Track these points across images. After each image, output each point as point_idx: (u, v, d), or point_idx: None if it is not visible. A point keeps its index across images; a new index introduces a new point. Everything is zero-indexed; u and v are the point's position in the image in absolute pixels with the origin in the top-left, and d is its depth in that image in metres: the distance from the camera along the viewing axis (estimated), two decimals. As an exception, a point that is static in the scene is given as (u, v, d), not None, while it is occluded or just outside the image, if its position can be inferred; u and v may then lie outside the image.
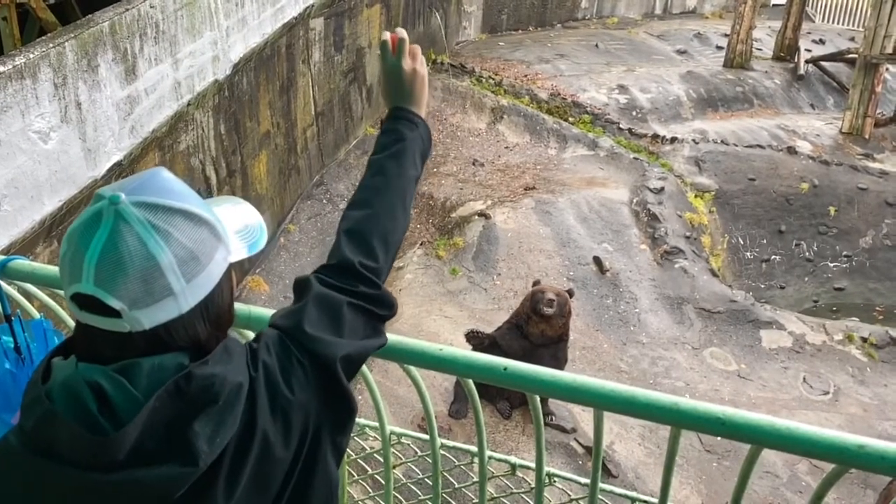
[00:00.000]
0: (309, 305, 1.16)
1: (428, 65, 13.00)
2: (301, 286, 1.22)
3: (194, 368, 0.94)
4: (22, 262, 1.74)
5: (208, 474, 0.95)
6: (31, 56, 4.41)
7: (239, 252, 1.07)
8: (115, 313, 0.92)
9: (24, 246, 4.47)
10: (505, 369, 1.36)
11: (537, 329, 5.85)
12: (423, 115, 1.49)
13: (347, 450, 1.67)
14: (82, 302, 0.93)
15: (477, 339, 6.03)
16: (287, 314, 1.17)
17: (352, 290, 1.20)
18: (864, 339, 8.16)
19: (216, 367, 0.97)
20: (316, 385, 1.09)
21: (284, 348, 1.09)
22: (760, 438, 1.22)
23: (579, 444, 6.01)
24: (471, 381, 1.52)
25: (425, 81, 1.50)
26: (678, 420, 1.26)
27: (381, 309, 1.24)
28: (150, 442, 0.91)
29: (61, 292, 1.78)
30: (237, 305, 1.13)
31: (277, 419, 1.03)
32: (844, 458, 1.17)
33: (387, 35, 1.50)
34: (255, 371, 1.04)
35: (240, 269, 7.76)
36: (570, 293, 6.12)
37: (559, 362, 5.93)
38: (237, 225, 1.09)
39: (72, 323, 1.64)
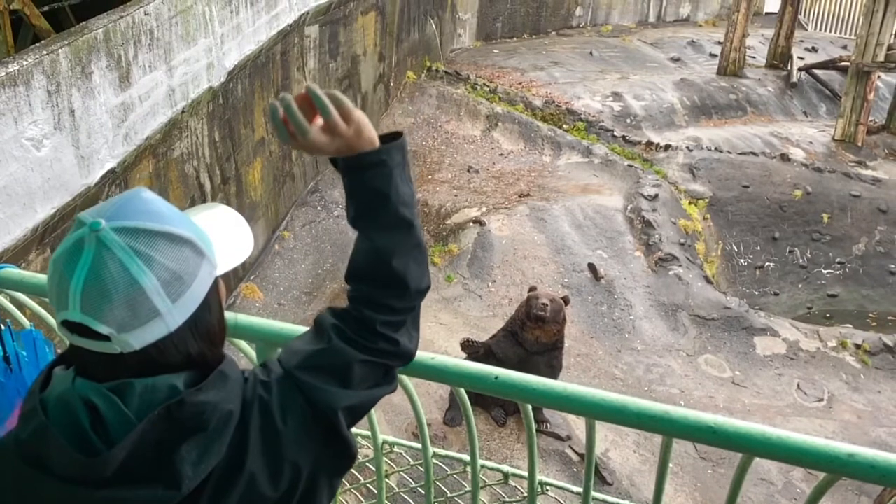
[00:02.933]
0: (320, 354, 1.12)
1: (423, 72, 13.08)
2: (319, 329, 1.16)
3: (187, 396, 0.96)
4: (11, 271, 1.73)
5: (190, 499, 0.96)
6: (25, 63, 4.40)
7: (226, 264, 1.08)
8: (105, 337, 0.93)
9: (17, 253, 4.45)
10: (496, 378, 1.36)
11: (532, 335, 5.85)
12: (375, 144, 1.18)
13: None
14: (72, 327, 0.95)
15: (472, 349, 6.03)
16: (298, 355, 1.13)
17: (369, 348, 1.15)
18: (858, 346, 8.18)
19: (209, 393, 0.98)
20: (315, 430, 1.08)
21: (290, 387, 1.08)
22: (752, 447, 1.22)
23: (574, 451, 6.00)
24: (463, 390, 1.52)
25: (363, 124, 1.17)
26: (669, 429, 1.26)
27: (396, 361, 1.19)
28: (137, 462, 0.93)
29: (52, 301, 1.77)
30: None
31: (268, 454, 1.03)
32: (835, 467, 1.17)
33: (279, 104, 1.10)
34: (250, 401, 1.04)
35: (234, 277, 7.74)
36: (566, 300, 6.13)
37: (554, 370, 5.93)
38: (222, 234, 1.10)
39: (62, 332, 1.63)
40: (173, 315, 0.96)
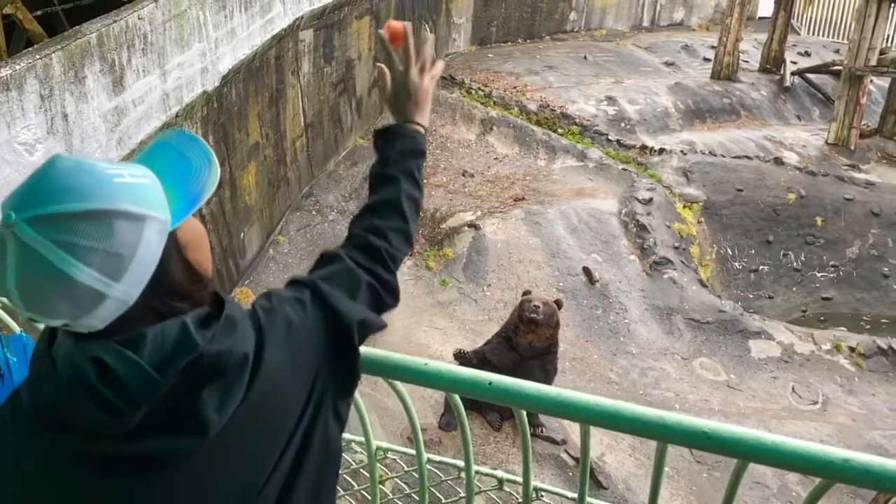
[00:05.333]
0: (336, 272, 1.23)
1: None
2: (330, 258, 1.27)
3: (203, 349, 0.94)
4: (2, 277, 1.72)
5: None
6: (18, 67, 4.39)
7: (189, 204, 0.98)
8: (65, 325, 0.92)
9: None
10: (490, 384, 1.35)
11: (525, 340, 5.84)
12: (425, 124, 1.48)
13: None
14: (33, 320, 0.93)
15: (464, 360, 6.00)
16: (313, 274, 1.23)
17: (373, 272, 1.26)
18: (852, 349, 8.20)
19: (223, 341, 0.97)
20: (326, 341, 1.11)
21: (300, 302, 1.13)
22: (746, 453, 1.21)
23: (569, 455, 5.99)
24: (457, 396, 1.51)
25: (429, 94, 1.50)
26: (664, 434, 1.26)
27: (388, 296, 1.29)
28: (159, 413, 0.92)
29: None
30: None
31: (288, 350, 1.06)
32: (830, 472, 1.16)
33: (385, 31, 1.48)
34: (265, 324, 1.05)
35: (229, 281, 7.71)
36: (559, 304, 6.12)
37: (549, 374, 5.92)
38: (181, 171, 1.00)
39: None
40: (123, 290, 0.90)
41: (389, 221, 1.35)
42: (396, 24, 1.47)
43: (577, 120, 11.98)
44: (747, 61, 14.64)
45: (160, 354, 0.93)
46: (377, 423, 5.84)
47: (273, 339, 1.04)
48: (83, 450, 0.93)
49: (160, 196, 0.94)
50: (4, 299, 1.77)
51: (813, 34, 18.67)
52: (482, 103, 12.28)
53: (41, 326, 1.01)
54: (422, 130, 1.46)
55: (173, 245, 0.96)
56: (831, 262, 10.55)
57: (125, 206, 0.89)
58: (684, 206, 10.38)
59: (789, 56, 14.51)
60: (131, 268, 0.90)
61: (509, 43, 15.75)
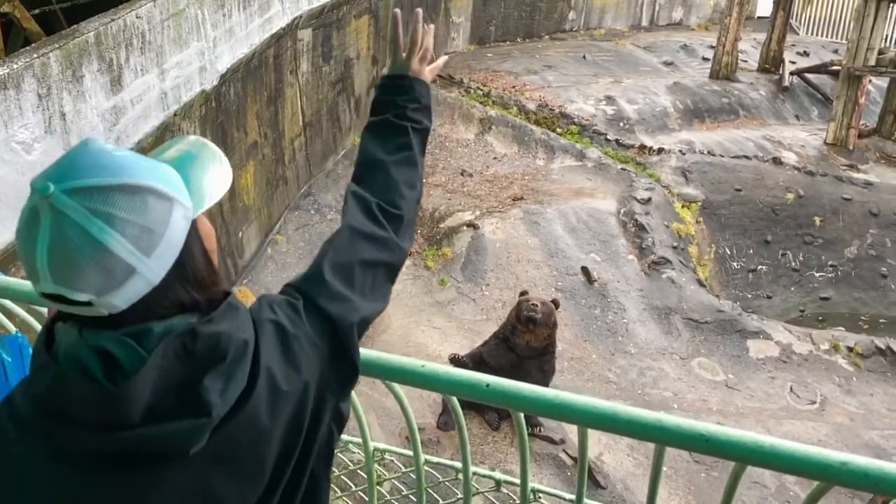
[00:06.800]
0: (325, 255, 1.24)
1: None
2: (325, 243, 1.30)
3: (199, 326, 0.94)
4: (-3, 278, 1.71)
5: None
6: (15, 66, 4.37)
7: (205, 200, 1.02)
8: (87, 303, 0.90)
9: (7, 258, 4.41)
10: (487, 386, 1.35)
11: (523, 340, 5.83)
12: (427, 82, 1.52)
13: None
14: (52, 298, 0.92)
15: (460, 365, 5.99)
16: (310, 269, 1.23)
17: (365, 233, 1.28)
18: (850, 349, 8.21)
19: (222, 324, 0.97)
20: (324, 345, 1.11)
21: (292, 307, 1.12)
22: (744, 456, 1.21)
23: (568, 455, 5.98)
24: (454, 398, 1.50)
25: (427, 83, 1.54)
26: (662, 437, 1.25)
27: (390, 253, 1.29)
28: (162, 402, 0.91)
29: (38, 307, 1.76)
30: None
31: (283, 357, 1.05)
32: (828, 476, 1.16)
33: (398, 14, 1.54)
34: (261, 330, 1.05)
35: (227, 280, 7.70)
36: (556, 303, 6.12)
37: (546, 374, 5.92)
38: (197, 171, 1.03)
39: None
40: (152, 269, 0.91)
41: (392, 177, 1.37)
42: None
43: (575, 119, 11.97)
44: (746, 61, 14.64)
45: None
46: (375, 423, 5.84)
47: (265, 341, 1.04)
48: (81, 445, 0.91)
49: (182, 184, 0.97)
50: (6, 301, 1.77)
51: (812, 34, 18.68)
52: (481, 102, 12.28)
53: (45, 313, 1.00)
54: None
55: (195, 233, 0.99)
56: (830, 262, 10.55)
57: (157, 184, 0.93)
58: (683, 206, 10.38)
59: (788, 56, 14.52)
60: (161, 245, 0.92)
61: (508, 42, 15.74)
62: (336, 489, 2.16)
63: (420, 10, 1.55)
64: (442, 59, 1.57)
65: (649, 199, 10.00)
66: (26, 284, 1.69)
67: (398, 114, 1.43)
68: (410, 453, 1.76)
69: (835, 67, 13.19)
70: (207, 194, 1.02)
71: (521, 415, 1.46)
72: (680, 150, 11.34)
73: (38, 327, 1.87)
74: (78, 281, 0.88)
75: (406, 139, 1.41)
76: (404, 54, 1.50)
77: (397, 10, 1.56)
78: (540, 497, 1.71)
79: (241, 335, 0.98)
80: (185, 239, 0.96)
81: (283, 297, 1.15)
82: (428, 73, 1.51)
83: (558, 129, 11.81)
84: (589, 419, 1.29)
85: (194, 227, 0.99)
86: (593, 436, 1.43)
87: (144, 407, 0.90)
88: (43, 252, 0.88)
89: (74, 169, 0.90)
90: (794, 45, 15.56)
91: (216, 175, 1.05)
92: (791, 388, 7.68)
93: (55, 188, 0.88)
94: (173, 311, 0.96)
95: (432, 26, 1.54)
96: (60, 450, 0.92)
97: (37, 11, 6.91)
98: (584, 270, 8.68)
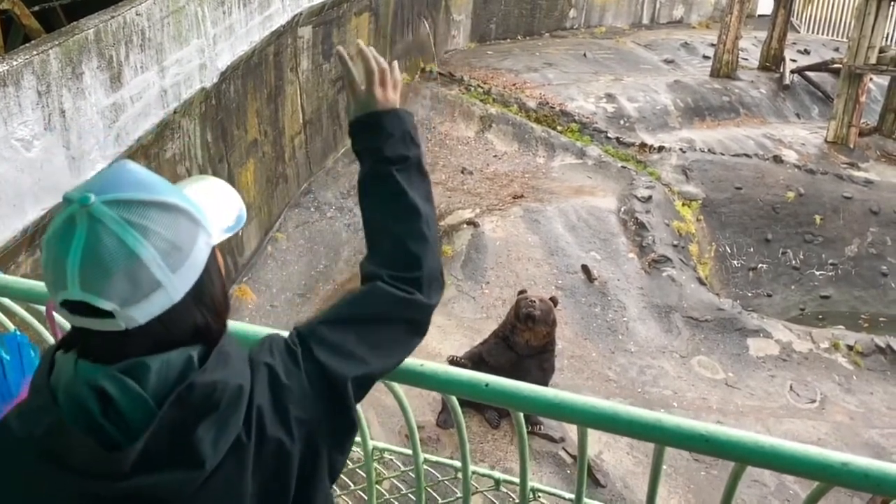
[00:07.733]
0: (338, 309, 1.22)
1: (417, 73, 13.05)
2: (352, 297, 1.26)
3: (196, 378, 0.95)
4: (-5, 276, 1.71)
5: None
6: (15, 63, 4.37)
7: (220, 234, 1.06)
8: (108, 314, 0.91)
9: (6, 255, 4.41)
10: (486, 385, 1.34)
11: (523, 338, 5.83)
12: (394, 106, 1.37)
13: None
14: (73, 307, 0.92)
15: (459, 367, 5.98)
16: (323, 315, 1.21)
17: (402, 290, 1.24)
18: (850, 347, 8.21)
19: (216, 373, 0.97)
20: (318, 396, 1.10)
21: (291, 353, 1.11)
22: (744, 456, 1.21)
23: (567, 453, 5.98)
24: (454, 397, 1.50)
25: (396, 102, 1.40)
26: (661, 437, 1.25)
27: (421, 311, 1.27)
28: (154, 449, 0.92)
29: (37, 306, 1.75)
30: None
31: (276, 410, 1.05)
32: (828, 476, 1.16)
33: (361, 46, 1.38)
34: (256, 372, 1.05)
35: (227, 278, 7.70)
36: (554, 301, 6.12)
37: (546, 373, 5.92)
38: (214, 205, 1.08)
39: (50, 338, 1.61)
40: (175, 285, 0.94)
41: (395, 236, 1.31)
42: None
43: (576, 117, 11.96)
44: (747, 59, 14.62)
45: (163, 386, 0.94)
46: (375, 420, 5.83)
47: (259, 387, 1.04)
48: (80, 489, 0.92)
49: (204, 214, 1.01)
50: (5, 299, 1.76)
51: (812, 32, 18.65)
52: (481, 100, 12.26)
53: (68, 326, 1.00)
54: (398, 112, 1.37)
55: (214, 259, 1.03)
56: (830, 261, 10.55)
57: (187, 207, 0.97)
58: (683, 204, 10.38)
59: (789, 54, 14.49)
60: (186, 264, 0.95)
61: (508, 40, 15.72)
62: (335, 488, 2.15)
63: (360, 41, 1.44)
64: (397, 73, 1.40)
65: (649, 198, 9.99)
66: (25, 283, 1.69)
67: (377, 159, 1.32)
68: (410, 452, 1.76)
69: (835, 66, 13.18)
70: (221, 227, 1.07)
71: (521, 414, 1.45)
72: (680, 149, 11.33)
73: (37, 326, 1.86)
74: (106, 288, 0.90)
75: (394, 186, 1.30)
76: (363, 87, 1.37)
77: (340, 48, 1.44)
78: (539, 496, 1.71)
79: (235, 381, 0.99)
80: (206, 263, 0.99)
81: (286, 341, 1.14)
82: (393, 94, 1.37)
83: (559, 127, 11.80)
84: (588, 419, 1.29)
85: (213, 254, 1.02)
86: (593, 434, 1.42)
87: (137, 455, 0.91)
88: (76, 258, 0.90)
89: (113, 183, 0.94)
90: (794, 44, 15.54)
91: (230, 210, 1.12)
92: (791, 387, 7.68)
93: (96, 198, 0.91)
94: (186, 334, 0.97)
95: (396, 62, 1.41)
96: (50, 487, 0.94)
97: (36, 8, 6.90)
98: (585, 268, 8.67)
